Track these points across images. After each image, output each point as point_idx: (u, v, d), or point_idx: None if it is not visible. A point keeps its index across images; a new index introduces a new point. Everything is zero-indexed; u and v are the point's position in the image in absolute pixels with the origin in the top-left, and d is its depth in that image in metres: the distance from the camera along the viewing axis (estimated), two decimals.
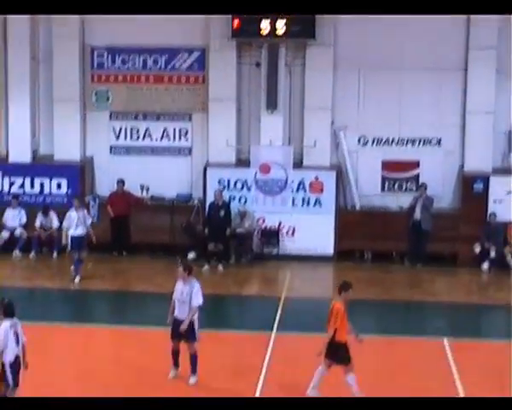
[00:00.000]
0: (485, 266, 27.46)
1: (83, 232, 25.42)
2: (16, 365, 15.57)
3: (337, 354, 17.13)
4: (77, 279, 25.47)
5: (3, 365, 15.38)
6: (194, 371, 18.11)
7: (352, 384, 17.12)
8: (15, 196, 28.78)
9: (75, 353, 20.72)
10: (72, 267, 25.70)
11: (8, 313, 15.58)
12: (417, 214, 27.76)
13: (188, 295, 17.88)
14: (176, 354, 18.31)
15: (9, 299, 16.08)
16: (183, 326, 17.79)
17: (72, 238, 25.39)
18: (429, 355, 20.33)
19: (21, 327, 15.76)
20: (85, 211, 25.99)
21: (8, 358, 15.35)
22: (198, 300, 17.94)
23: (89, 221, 25.69)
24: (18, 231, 28.54)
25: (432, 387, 18.24)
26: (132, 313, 23.25)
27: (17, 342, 15.55)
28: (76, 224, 25.07)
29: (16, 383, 15.55)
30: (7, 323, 15.44)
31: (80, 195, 28.49)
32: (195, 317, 18.06)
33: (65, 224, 25.66)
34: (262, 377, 18.68)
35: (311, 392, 17.28)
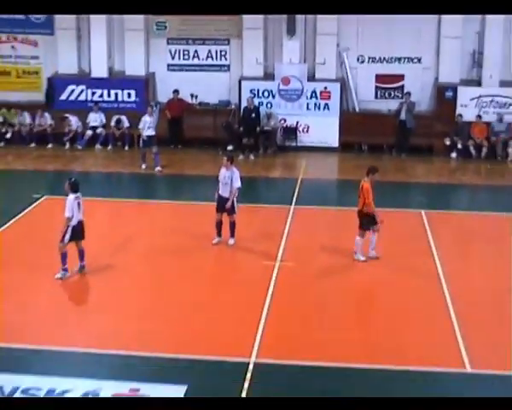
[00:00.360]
0: (454, 155, 28.74)
1: (153, 133, 26.40)
2: (78, 227, 16.91)
3: (366, 221, 18.17)
4: (157, 168, 26.39)
5: (68, 226, 16.75)
6: (232, 235, 19.10)
7: (358, 244, 18.25)
8: (96, 103, 29.97)
9: (142, 222, 21.74)
10: (141, 158, 26.59)
11: (74, 189, 16.91)
12: (403, 115, 28.64)
13: (229, 178, 18.86)
14: (219, 224, 19.16)
15: (75, 178, 17.46)
16: (228, 204, 18.79)
17: (145, 137, 26.39)
18: (410, 223, 21.38)
19: (82, 201, 17.03)
20: (156, 116, 26.83)
21: (73, 223, 16.76)
22: (238, 183, 18.95)
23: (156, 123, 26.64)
24: (99, 130, 29.66)
25: (412, 247, 19.43)
26: (186, 192, 24.32)
27: (79, 211, 16.88)
28: (148, 126, 26.07)
29: (70, 240, 16.81)
30: (72, 196, 16.75)
31: (145, 102, 29.59)
32: (234, 194, 18.94)
33: (140, 126, 26.50)
34: (284, 239, 19.67)
35: (359, 257, 18.26)
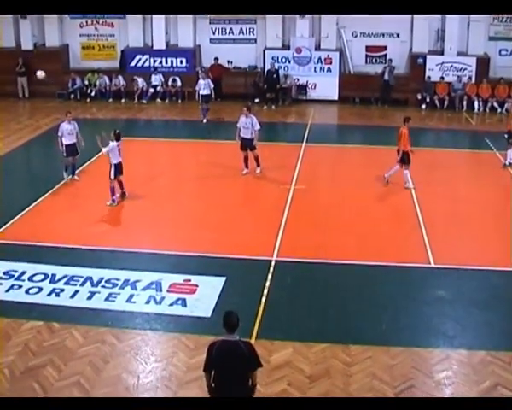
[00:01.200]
0: (423, 106, 28.29)
1: (208, 92, 25.61)
2: (119, 166, 16.61)
3: (402, 158, 17.99)
4: (204, 120, 25.52)
5: (111, 165, 16.47)
6: (258, 164, 19.00)
7: (407, 176, 17.96)
8: (156, 68, 29.74)
9: (189, 157, 21.79)
10: (200, 112, 25.58)
11: (117, 137, 16.62)
12: (386, 76, 28.21)
13: (250, 123, 18.66)
14: (246, 159, 18.96)
15: (119, 130, 17.03)
16: (254, 143, 18.68)
17: (201, 96, 25.58)
18: (391, 157, 19.61)
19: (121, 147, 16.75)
20: (209, 80, 25.87)
21: (114, 162, 16.50)
22: (257, 126, 18.72)
23: (211, 85, 25.72)
24: (158, 88, 29.39)
25: (392, 175, 18.62)
26: (223, 133, 23.35)
27: (119, 155, 16.64)
28: (203, 87, 25.48)
29: (115, 176, 16.57)
30: (115, 143, 16.55)
31: (193, 67, 29.52)
32: (254, 136, 18.67)
33: (196, 87, 25.97)
34: (297, 167, 19.67)
35: (409, 185, 17.87)
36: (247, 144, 18.89)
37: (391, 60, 28.82)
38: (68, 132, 18.11)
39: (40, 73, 16.92)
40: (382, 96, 28.96)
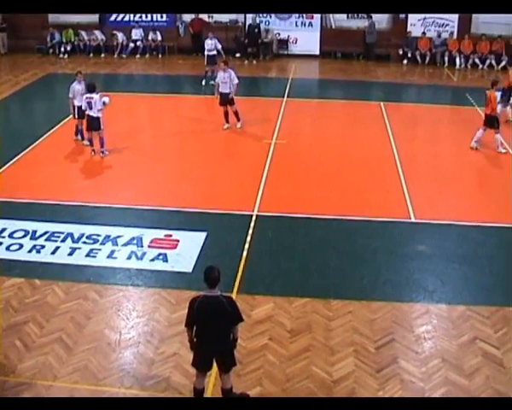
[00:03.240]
0: (405, 61, 28.38)
1: (215, 53, 23.86)
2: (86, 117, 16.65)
3: (492, 122, 17.29)
4: (206, 82, 23.79)
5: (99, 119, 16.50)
6: (238, 119, 18.90)
7: (499, 141, 17.34)
8: (137, 22, 29.43)
9: (171, 112, 21.62)
10: (204, 75, 23.79)
11: (92, 90, 16.46)
12: (367, 38, 28.37)
13: (228, 78, 18.48)
14: (226, 114, 18.82)
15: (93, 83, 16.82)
16: (231, 96, 18.51)
17: (207, 56, 23.78)
18: (373, 112, 21.10)
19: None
20: (216, 40, 24.03)
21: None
22: (236, 80, 18.54)
23: (219, 46, 23.96)
24: (139, 43, 29.18)
25: (373, 128, 19.23)
26: (205, 88, 23.39)
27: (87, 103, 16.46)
28: (209, 48, 23.93)
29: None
30: (97, 95, 16.53)
31: (174, 21, 29.39)
32: (232, 90, 18.53)
33: (205, 47, 23.99)
34: (278, 122, 19.57)
35: (473, 144, 17.51)
36: (225, 99, 18.76)
37: (370, 17, 28.68)
38: (80, 93, 17.09)
39: (107, 100, 16.92)
40: (366, 53, 29.02)
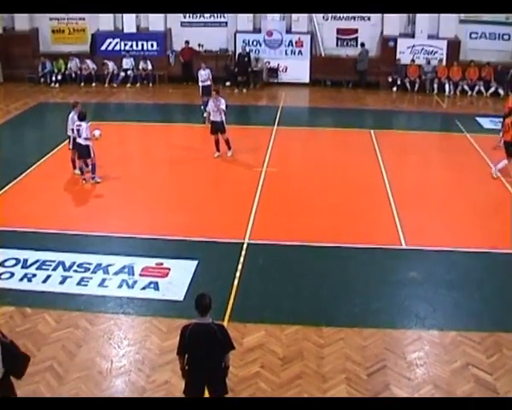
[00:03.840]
0: (394, 89, 28.44)
1: (209, 83, 23.22)
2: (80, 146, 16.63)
3: (508, 149, 17.15)
4: (205, 114, 20.51)
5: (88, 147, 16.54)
6: (229, 147, 18.92)
7: (502, 165, 17.23)
8: (127, 51, 29.42)
9: (161, 140, 21.57)
10: (202, 106, 22.39)
11: (83, 118, 16.57)
12: (359, 66, 28.42)
13: (217, 106, 18.51)
14: (217, 143, 18.86)
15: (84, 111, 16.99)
16: (223, 127, 18.56)
17: (202, 87, 23.24)
18: (363, 139, 21.13)
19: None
20: (209, 70, 23.67)
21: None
22: (223, 106, 18.53)
23: (210, 76, 23.37)
24: (129, 72, 29.16)
25: (363, 156, 19.35)
26: (195, 117, 23.01)
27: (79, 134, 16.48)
28: (203, 79, 23.35)
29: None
30: (86, 123, 16.60)
31: (165, 50, 29.50)
32: (223, 118, 18.54)
33: (199, 79, 23.46)
34: (269, 150, 19.62)
35: (495, 171, 17.30)
36: (217, 128, 18.81)
37: (363, 44, 28.93)
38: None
39: (98, 133, 16.98)
40: (356, 81, 29.15)
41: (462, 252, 13.31)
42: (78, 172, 17.33)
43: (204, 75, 23.53)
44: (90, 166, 16.87)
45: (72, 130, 16.94)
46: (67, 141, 17.60)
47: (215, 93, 19.07)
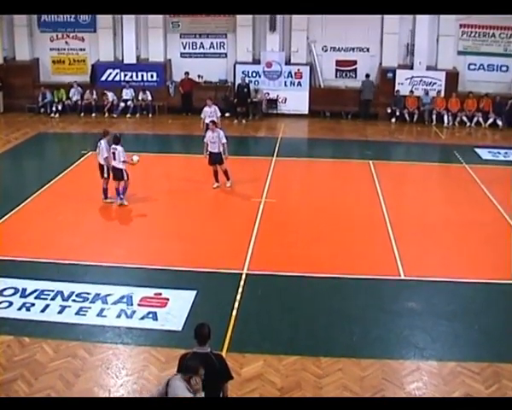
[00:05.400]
0: (393, 120, 28.51)
1: (213, 119, 21.45)
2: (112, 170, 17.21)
3: None
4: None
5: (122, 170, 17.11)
6: (227, 178, 18.97)
7: None
8: (127, 82, 29.66)
9: (160, 170, 21.65)
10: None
11: (117, 142, 17.25)
12: (365, 95, 28.57)
13: (216, 137, 18.53)
14: (215, 173, 18.93)
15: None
16: (221, 158, 18.62)
17: (207, 125, 21.28)
18: (362, 170, 21.20)
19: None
20: (216, 107, 22.96)
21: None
22: (224, 139, 18.60)
23: (218, 114, 22.66)
24: (129, 102, 29.33)
25: (362, 187, 19.49)
26: (194, 148, 22.06)
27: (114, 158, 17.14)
28: (208, 115, 22.30)
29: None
30: (121, 147, 17.22)
31: (164, 81, 29.67)
32: (221, 150, 18.61)
33: (202, 115, 23.03)
34: (268, 181, 19.69)
35: None
36: (215, 159, 18.87)
37: (368, 75, 29.06)
38: (107, 150, 17.61)
39: (136, 158, 17.33)
40: (359, 110, 29.25)
41: (460, 282, 13.34)
42: (109, 200, 17.67)
43: (210, 112, 22.64)
44: (121, 188, 17.32)
45: (105, 158, 17.30)
46: (99, 169, 17.84)
47: (212, 124, 19.14)
